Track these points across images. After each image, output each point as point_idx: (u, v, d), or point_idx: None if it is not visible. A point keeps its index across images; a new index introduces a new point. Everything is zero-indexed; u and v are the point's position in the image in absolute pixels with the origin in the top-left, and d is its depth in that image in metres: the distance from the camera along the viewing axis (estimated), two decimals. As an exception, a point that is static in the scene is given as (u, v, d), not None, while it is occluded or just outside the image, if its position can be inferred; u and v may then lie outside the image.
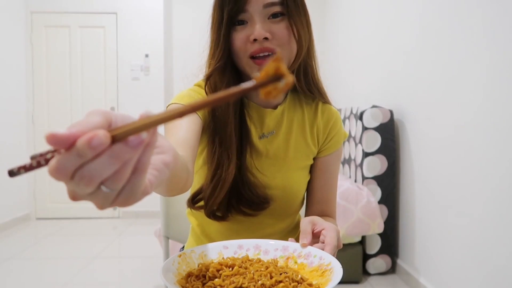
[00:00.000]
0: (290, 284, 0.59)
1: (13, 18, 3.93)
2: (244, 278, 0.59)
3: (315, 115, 0.95)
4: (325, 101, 0.97)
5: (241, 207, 0.87)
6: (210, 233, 0.95)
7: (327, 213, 0.97)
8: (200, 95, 0.88)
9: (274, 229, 0.94)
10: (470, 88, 1.76)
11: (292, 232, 0.99)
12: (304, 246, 0.70)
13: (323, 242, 0.71)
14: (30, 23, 4.12)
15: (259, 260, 0.67)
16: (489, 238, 1.64)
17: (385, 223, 2.44)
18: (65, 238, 3.57)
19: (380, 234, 2.44)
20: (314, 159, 0.96)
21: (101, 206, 0.33)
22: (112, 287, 2.49)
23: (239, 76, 0.88)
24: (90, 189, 0.30)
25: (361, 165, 2.52)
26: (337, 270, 0.60)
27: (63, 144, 0.28)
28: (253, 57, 0.82)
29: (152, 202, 1.82)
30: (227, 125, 0.84)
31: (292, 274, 0.61)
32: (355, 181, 2.64)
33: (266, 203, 0.89)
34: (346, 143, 2.82)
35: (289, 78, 0.32)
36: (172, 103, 0.85)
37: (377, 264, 2.46)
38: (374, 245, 2.45)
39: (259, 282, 0.58)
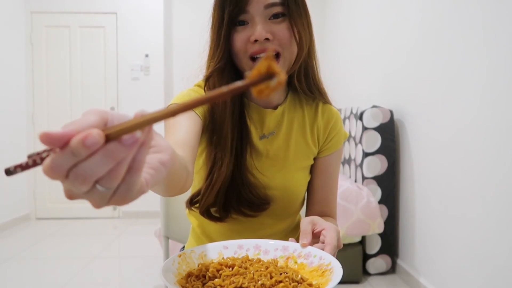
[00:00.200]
0: (290, 284, 0.59)
1: (13, 18, 3.93)
2: (244, 278, 0.59)
3: (316, 115, 0.95)
4: (326, 101, 0.97)
5: (241, 207, 0.87)
6: (211, 233, 0.95)
7: (327, 213, 0.97)
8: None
9: (274, 230, 0.94)
10: (470, 88, 1.76)
11: (292, 232, 0.99)
12: (304, 246, 0.70)
13: (323, 242, 0.71)
14: (30, 23, 4.12)
15: (259, 260, 0.67)
16: (489, 238, 1.64)
17: (385, 223, 2.44)
18: (65, 238, 3.57)
19: (380, 234, 2.44)
20: (314, 159, 0.96)
21: (97, 205, 0.33)
22: (112, 287, 2.49)
23: (239, 77, 0.88)
24: (85, 187, 0.30)
25: (361, 165, 2.52)
26: (337, 270, 0.60)
27: (57, 143, 0.28)
28: (252, 58, 0.82)
29: (152, 202, 1.82)
30: (223, 126, 0.84)
31: (292, 274, 0.61)
32: (355, 181, 2.64)
33: (266, 204, 0.88)
34: (346, 143, 2.82)
35: (281, 77, 0.31)
36: (172, 104, 0.85)
37: (377, 264, 2.46)
38: (374, 245, 2.45)
39: (259, 282, 0.58)
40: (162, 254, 1.32)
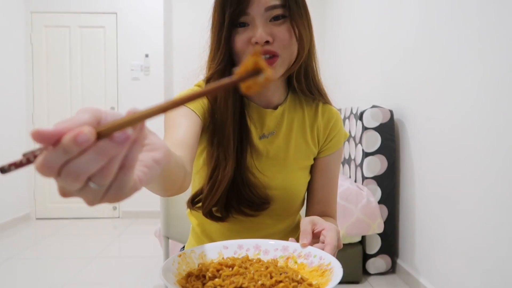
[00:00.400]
0: (290, 284, 0.59)
1: (13, 18, 3.93)
2: (244, 278, 0.59)
3: (316, 116, 0.95)
4: (326, 101, 0.97)
5: (242, 207, 0.87)
6: (211, 233, 0.95)
7: (327, 213, 0.97)
8: None
9: (274, 230, 0.94)
10: (471, 88, 1.76)
11: (292, 232, 0.99)
12: (304, 246, 0.70)
13: (323, 242, 0.71)
14: (30, 23, 4.12)
15: (259, 260, 0.67)
16: (489, 238, 1.64)
17: (385, 223, 2.44)
18: (65, 238, 3.57)
19: (380, 234, 2.44)
20: (314, 159, 0.96)
21: (91, 202, 0.33)
22: (112, 287, 2.49)
23: None
24: (78, 185, 0.30)
25: (361, 165, 2.52)
26: (337, 270, 0.60)
27: (49, 141, 0.28)
28: None
29: (152, 202, 1.82)
30: (225, 127, 0.84)
31: (292, 274, 0.61)
32: (355, 181, 2.64)
33: (266, 204, 0.89)
34: (346, 143, 2.82)
35: (268, 73, 0.32)
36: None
37: (377, 264, 2.46)
38: (374, 245, 2.45)
39: (259, 282, 0.58)
40: (162, 254, 1.32)
